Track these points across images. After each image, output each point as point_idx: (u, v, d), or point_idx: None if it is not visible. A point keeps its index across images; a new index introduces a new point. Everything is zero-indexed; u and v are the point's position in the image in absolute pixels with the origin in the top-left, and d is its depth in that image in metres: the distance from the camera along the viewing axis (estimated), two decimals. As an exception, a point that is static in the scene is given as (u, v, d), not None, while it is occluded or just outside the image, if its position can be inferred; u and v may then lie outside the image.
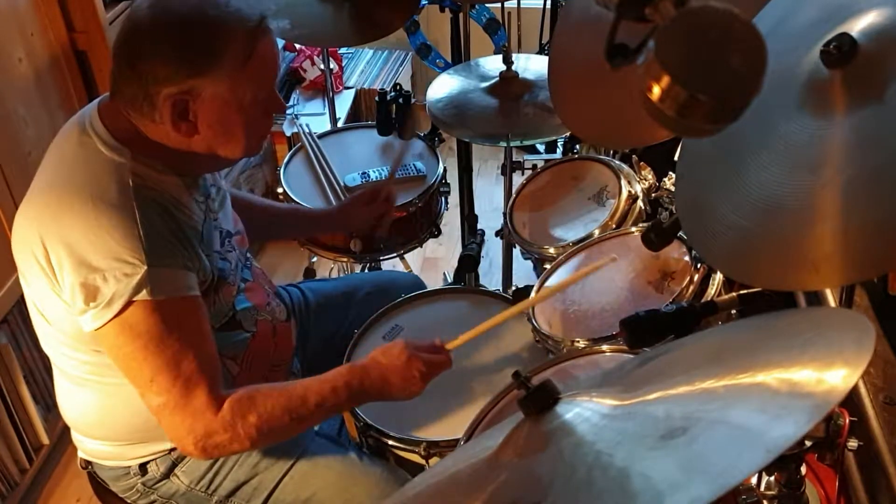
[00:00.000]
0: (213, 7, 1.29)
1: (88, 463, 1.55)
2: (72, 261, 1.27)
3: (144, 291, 1.26)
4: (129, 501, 1.54)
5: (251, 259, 1.64)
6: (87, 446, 1.52)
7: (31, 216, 1.34)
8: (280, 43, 3.19)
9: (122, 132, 1.34)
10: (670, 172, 1.66)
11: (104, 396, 1.41)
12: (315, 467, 1.52)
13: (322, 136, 2.33)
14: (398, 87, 2.23)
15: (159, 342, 1.28)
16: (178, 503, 1.52)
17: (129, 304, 1.26)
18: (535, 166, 2.07)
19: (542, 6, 2.89)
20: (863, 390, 1.21)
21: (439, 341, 1.46)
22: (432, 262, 3.09)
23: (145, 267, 1.26)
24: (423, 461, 1.48)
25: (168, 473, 1.50)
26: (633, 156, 1.83)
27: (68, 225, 1.28)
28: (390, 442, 1.50)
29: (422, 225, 2.13)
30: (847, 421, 0.98)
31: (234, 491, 1.51)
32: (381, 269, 2.44)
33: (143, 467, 1.49)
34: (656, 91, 0.73)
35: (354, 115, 3.43)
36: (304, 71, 3.33)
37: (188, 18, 1.28)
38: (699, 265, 1.45)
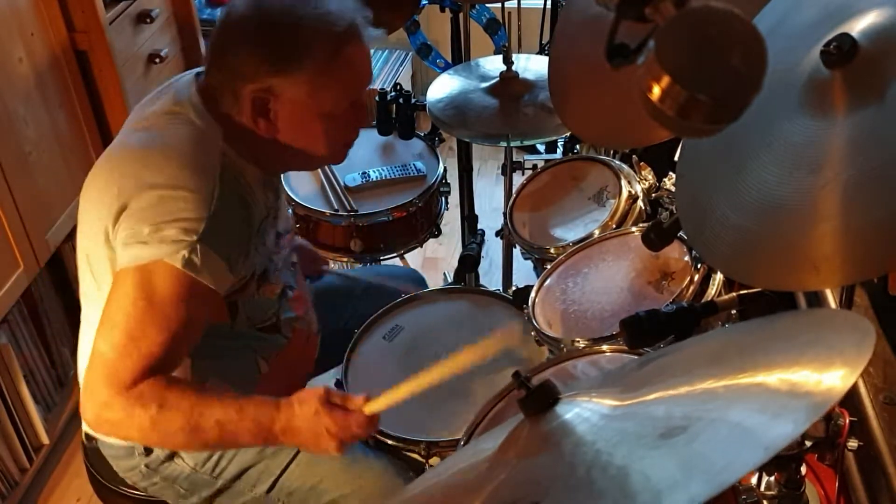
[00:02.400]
0: (303, 7, 1.30)
1: (92, 438, 1.52)
2: (139, 209, 1.27)
3: (179, 258, 1.25)
4: (129, 482, 1.53)
5: (297, 265, 1.64)
6: None
7: (113, 167, 1.35)
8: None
9: (216, 112, 1.36)
10: (670, 172, 1.66)
11: None
12: (321, 456, 1.51)
13: (322, 135, 2.33)
14: (398, 87, 2.23)
15: (149, 307, 1.26)
16: (182, 486, 1.50)
17: (159, 261, 1.26)
18: (535, 166, 2.08)
19: (542, 6, 2.89)
20: (863, 390, 1.21)
21: (363, 400, 1.31)
22: (432, 262, 3.09)
23: (196, 237, 1.26)
24: (423, 461, 1.48)
25: (172, 455, 1.48)
26: (633, 156, 1.83)
27: (151, 181, 1.28)
28: (390, 442, 1.50)
29: (422, 225, 2.13)
30: (847, 421, 0.98)
31: (240, 475, 1.50)
32: (381, 269, 2.44)
33: (147, 448, 1.47)
34: (656, 91, 0.73)
35: (355, 115, 3.43)
36: (305, 71, 3.33)
37: (277, 18, 1.30)
38: (699, 265, 1.45)
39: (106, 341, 1.27)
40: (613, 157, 1.93)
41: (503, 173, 2.16)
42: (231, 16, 1.32)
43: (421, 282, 2.03)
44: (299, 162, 1.43)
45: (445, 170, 2.17)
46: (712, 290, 1.44)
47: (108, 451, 1.52)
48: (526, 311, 1.60)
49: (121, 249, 1.28)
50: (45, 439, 2.29)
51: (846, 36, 0.86)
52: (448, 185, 2.19)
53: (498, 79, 2.14)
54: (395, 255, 2.18)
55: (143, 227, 1.26)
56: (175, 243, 1.26)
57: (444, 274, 2.93)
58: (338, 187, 2.11)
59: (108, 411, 1.27)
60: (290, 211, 2.15)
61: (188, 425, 1.27)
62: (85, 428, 1.54)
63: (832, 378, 0.68)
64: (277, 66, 1.29)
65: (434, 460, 1.46)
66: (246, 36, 1.30)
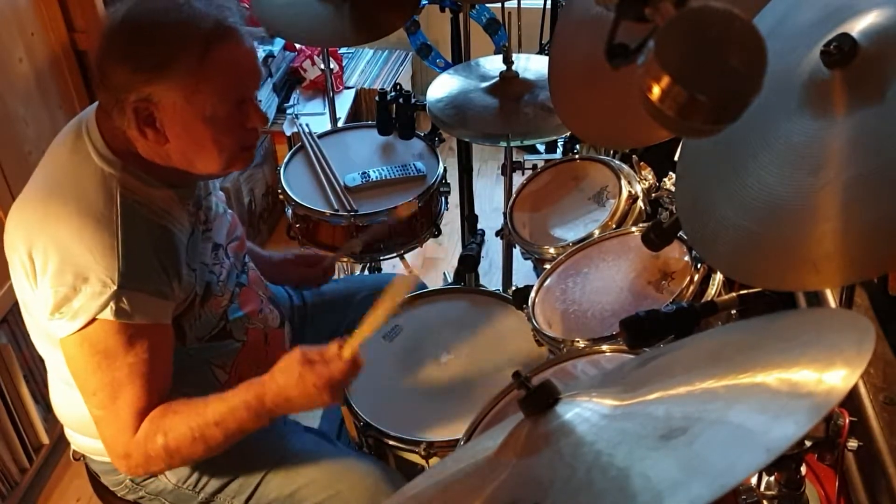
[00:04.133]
0: (166, 12, 1.28)
1: (79, 455, 1.58)
2: (51, 269, 1.29)
3: (108, 311, 1.28)
4: (119, 495, 1.56)
5: (248, 264, 1.63)
6: (78, 441, 1.54)
7: (21, 219, 1.36)
8: (280, 43, 3.20)
9: (116, 141, 1.35)
10: (670, 172, 1.66)
11: None
12: (299, 463, 1.53)
13: (322, 135, 2.33)
14: (398, 87, 2.23)
15: (111, 362, 1.31)
16: (166, 499, 1.53)
17: (92, 320, 1.28)
18: (535, 166, 2.08)
19: (542, 6, 2.89)
20: (863, 390, 1.21)
21: (336, 347, 1.35)
22: (432, 262, 3.09)
23: (115, 287, 1.27)
24: (423, 461, 1.48)
25: None
26: (633, 156, 1.83)
27: (52, 234, 1.30)
28: (390, 442, 1.50)
29: (422, 225, 2.13)
30: (847, 421, 0.98)
31: (221, 489, 1.52)
32: (381, 269, 2.44)
33: None
34: (656, 91, 0.73)
35: (355, 115, 3.44)
36: (304, 71, 3.33)
37: (140, 24, 1.28)
38: (699, 265, 1.45)
39: (95, 407, 1.34)
40: (613, 157, 1.93)
41: (503, 173, 2.16)
42: (103, 31, 1.30)
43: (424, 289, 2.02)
44: (201, 172, 1.39)
45: (445, 170, 2.17)
46: (712, 290, 1.44)
47: (96, 467, 1.56)
48: (526, 310, 1.60)
49: (50, 318, 1.30)
50: (45, 439, 2.29)
51: (846, 36, 0.86)
52: (448, 185, 2.19)
53: (498, 79, 2.14)
54: (394, 255, 2.18)
55: (62, 291, 1.28)
56: (98, 298, 1.27)
57: (444, 274, 2.93)
58: (338, 187, 2.11)
59: (131, 459, 1.35)
60: (288, 211, 2.16)
61: (196, 438, 1.33)
62: (73, 446, 1.58)
63: (833, 378, 0.68)
64: (147, 73, 1.27)
65: (434, 460, 1.46)
66: (114, 48, 1.28)
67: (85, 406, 1.38)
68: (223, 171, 1.41)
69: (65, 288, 1.28)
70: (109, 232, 1.29)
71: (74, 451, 1.58)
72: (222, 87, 1.31)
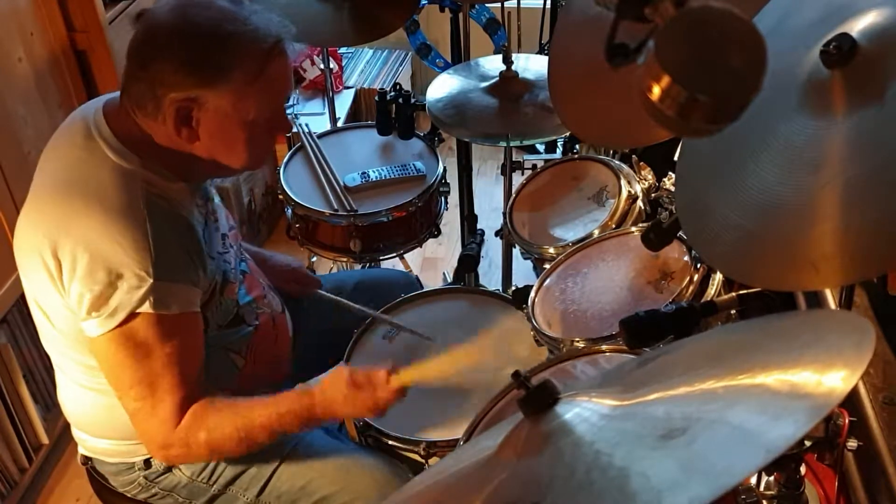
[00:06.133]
0: (232, 22, 1.30)
1: (88, 459, 1.57)
2: (80, 269, 1.28)
3: (147, 304, 1.29)
4: (128, 496, 1.55)
5: (244, 252, 1.66)
6: (89, 444, 1.53)
7: (39, 219, 1.35)
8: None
9: (130, 137, 1.35)
10: (670, 172, 1.66)
11: (111, 397, 1.41)
12: (312, 457, 1.54)
13: (322, 135, 2.33)
14: (398, 87, 2.23)
15: (148, 354, 1.32)
16: (179, 494, 1.53)
17: (131, 315, 1.29)
18: (534, 166, 2.07)
19: (542, 6, 2.89)
20: (862, 390, 1.21)
21: (387, 374, 1.40)
22: (432, 262, 3.09)
23: (151, 280, 1.28)
24: (422, 461, 1.48)
25: (171, 467, 1.51)
26: (633, 156, 1.83)
27: (79, 233, 1.29)
28: (390, 442, 1.50)
29: (421, 225, 2.13)
30: (847, 421, 0.98)
31: (233, 480, 1.52)
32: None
33: (147, 462, 1.50)
34: (656, 91, 0.73)
35: (354, 115, 3.43)
36: (304, 71, 3.33)
37: (205, 30, 1.30)
38: (699, 265, 1.45)
39: (133, 400, 1.35)
40: (613, 157, 1.93)
41: (503, 173, 2.16)
42: (156, 25, 1.31)
43: (413, 285, 2.02)
44: (221, 169, 1.43)
45: (445, 170, 2.17)
46: (712, 290, 1.44)
47: (105, 469, 1.55)
48: (525, 310, 1.60)
49: (86, 317, 1.30)
50: (44, 439, 2.29)
51: (846, 36, 0.86)
52: (447, 185, 2.19)
53: (497, 78, 2.14)
54: (394, 255, 2.18)
55: (97, 289, 1.28)
56: (136, 292, 1.28)
57: (444, 274, 2.93)
58: (337, 187, 2.11)
59: (171, 450, 1.39)
60: (288, 211, 2.16)
61: (240, 437, 1.38)
62: (81, 450, 1.58)
63: (833, 379, 0.68)
64: (205, 79, 1.30)
65: (434, 461, 1.46)
66: (173, 47, 1.29)
67: (96, 408, 1.39)
68: (242, 171, 1.47)
69: (99, 286, 1.28)
70: (137, 226, 1.29)
71: (82, 455, 1.57)
72: (269, 97, 1.37)
